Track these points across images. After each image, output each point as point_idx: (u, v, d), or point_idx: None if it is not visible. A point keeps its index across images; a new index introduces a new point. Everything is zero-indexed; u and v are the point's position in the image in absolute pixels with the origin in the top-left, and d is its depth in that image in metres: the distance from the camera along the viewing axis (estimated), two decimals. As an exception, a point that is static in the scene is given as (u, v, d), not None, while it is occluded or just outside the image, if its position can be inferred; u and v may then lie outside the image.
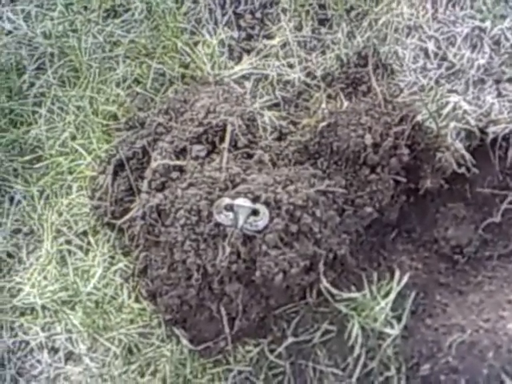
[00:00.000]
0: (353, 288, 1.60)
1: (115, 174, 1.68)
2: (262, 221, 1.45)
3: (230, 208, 1.46)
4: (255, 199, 1.46)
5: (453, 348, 1.56)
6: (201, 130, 1.60)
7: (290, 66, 1.84)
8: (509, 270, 1.68)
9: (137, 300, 1.64)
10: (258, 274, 1.44)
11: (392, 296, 1.57)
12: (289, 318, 1.60)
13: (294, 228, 1.46)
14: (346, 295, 1.57)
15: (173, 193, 1.51)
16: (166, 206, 1.51)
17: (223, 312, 1.48)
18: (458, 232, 1.71)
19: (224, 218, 1.46)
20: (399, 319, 1.57)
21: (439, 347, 1.57)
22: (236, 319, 1.48)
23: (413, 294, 1.62)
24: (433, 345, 1.58)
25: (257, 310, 1.52)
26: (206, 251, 1.45)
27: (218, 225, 1.46)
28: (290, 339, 1.57)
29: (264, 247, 1.43)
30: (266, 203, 1.45)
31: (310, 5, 1.91)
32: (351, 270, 1.62)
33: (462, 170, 1.72)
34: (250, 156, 1.59)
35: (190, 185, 1.50)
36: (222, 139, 1.58)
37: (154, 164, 1.53)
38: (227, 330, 1.47)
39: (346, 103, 1.69)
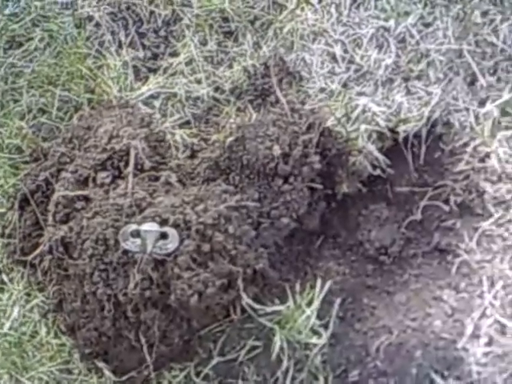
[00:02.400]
0: (276, 301, 1.62)
1: (22, 208, 1.69)
2: (171, 244, 1.47)
3: (136, 234, 1.47)
4: (163, 222, 1.48)
5: (380, 351, 1.59)
6: (104, 156, 1.61)
7: (198, 81, 1.87)
8: (433, 267, 1.73)
9: (56, 335, 1.63)
10: (172, 297, 1.45)
11: (316, 304, 1.60)
12: (214, 337, 1.62)
13: (206, 247, 1.48)
14: (269, 309, 1.60)
15: (78, 224, 1.52)
16: (72, 238, 1.52)
17: (142, 340, 1.49)
18: (381, 233, 1.75)
19: (131, 244, 1.47)
20: (326, 327, 1.61)
21: (367, 351, 1.60)
22: (157, 345, 1.48)
23: (338, 300, 1.66)
24: (361, 350, 1.61)
25: (178, 333, 1.53)
26: (117, 280, 1.46)
27: (126, 252, 1.47)
28: (217, 359, 1.59)
29: (176, 270, 1.45)
30: (175, 225, 1.47)
31: (213, 18, 1.95)
32: (274, 282, 1.65)
33: (378, 171, 1.77)
34: (157, 178, 1.60)
35: (96, 214, 1.51)
36: (127, 164, 1.60)
37: (55, 196, 1.54)
38: (148, 358, 1.48)
39: (254, 115, 1.72)
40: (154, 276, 1.46)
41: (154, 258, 1.48)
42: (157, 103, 1.84)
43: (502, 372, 1.50)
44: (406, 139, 1.78)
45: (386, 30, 1.91)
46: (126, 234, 1.48)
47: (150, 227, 1.47)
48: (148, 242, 1.46)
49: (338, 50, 1.89)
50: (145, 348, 1.49)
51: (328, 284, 1.64)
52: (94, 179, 1.61)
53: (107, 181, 1.59)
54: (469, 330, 1.57)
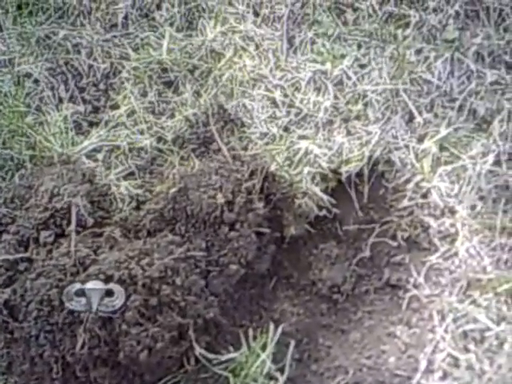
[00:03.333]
0: (230, 348, 1.63)
1: (-37, 272, 1.66)
2: (117, 300, 1.47)
3: (81, 293, 1.47)
4: (108, 279, 1.48)
5: (337, 392, 1.61)
6: (46, 215, 1.61)
7: (140, 132, 1.89)
8: (385, 302, 1.76)
9: (8, 399, 1.61)
10: (121, 355, 1.45)
11: (270, 348, 1.61)
12: (170, 390, 1.61)
13: (153, 301, 1.49)
14: (223, 357, 1.60)
15: (22, 286, 1.51)
16: (16, 301, 1.51)
17: (95, 400, 1.48)
18: (332, 272, 1.79)
19: (76, 304, 1.46)
20: (283, 370, 1.62)
21: (324, 394, 1.62)
22: (110, 404, 1.47)
23: (293, 342, 1.67)
24: (317, 392, 1.63)
25: (132, 389, 1.52)
26: (64, 341, 1.46)
27: (71, 312, 1.47)
28: (173, 412, 1.59)
29: (124, 326, 1.45)
30: (121, 281, 1.47)
31: (152, 70, 1.98)
32: (227, 330, 1.65)
33: (324, 212, 1.81)
34: (100, 234, 1.61)
35: (39, 275, 1.51)
36: (69, 222, 1.60)
37: (-4, 260, 1.53)
38: (102, 418, 1.47)
39: (197, 164, 1.75)
40: (101, 334, 1.46)
41: (100, 316, 1.47)
42: (100, 156, 1.86)
43: (458, 405, 1.52)
44: (349, 179, 1.83)
45: (323, 73, 1.97)
46: (70, 294, 1.47)
47: (95, 285, 1.47)
48: (93, 301, 1.46)
49: (277, 94, 1.94)
50: (98, 408, 1.48)
51: (281, 327, 1.65)
52: (37, 239, 1.60)
53: (50, 240, 1.59)
54: (423, 365, 1.60)
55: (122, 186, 1.79)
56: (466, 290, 1.67)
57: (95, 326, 1.45)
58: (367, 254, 1.80)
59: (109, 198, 1.72)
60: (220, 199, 1.63)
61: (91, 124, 1.94)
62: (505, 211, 1.75)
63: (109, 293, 1.47)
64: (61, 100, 1.99)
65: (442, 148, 1.85)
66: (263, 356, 1.58)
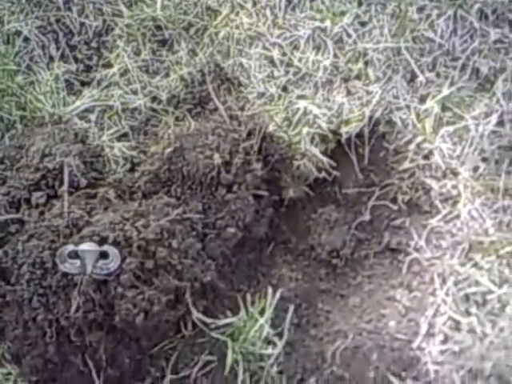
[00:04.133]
0: (228, 313, 1.61)
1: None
2: (112, 263, 1.44)
3: (75, 255, 1.44)
4: (102, 241, 1.45)
5: (337, 356, 1.60)
6: (38, 175, 1.58)
7: (134, 92, 1.85)
8: (385, 267, 1.75)
9: (1, 364, 1.58)
10: (117, 318, 1.43)
11: (268, 313, 1.59)
12: (166, 355, 1.59)
13: (149, 264, 1.46)
14: (220, 322, 1.58)
15: (13, 248, 1.48)
16: (7, 263, 1.48)
17: (90, 364, 1.46)
18: (331, 236, 1.76)
19: (70, 266, 1.44)
20: (281, 335, 1.60)
21: (323, 358, 1.61)
22: (105, 369, 1.45)
23: (292, 307, 1.65)
24: (317, 356, 1.62)
25: (128, 354, 1.50)
26: (57, 304, 1.43)
27: (65, 275, 1.44)
28: (170, 377, 1.57)
29: (119, 289, 1.42)
30: (115, 243, 1.44)
31: (146, 27, 1.93)
32: (224, 294, 1.64)
33: (323, 174, 1.78)
34: (94, 195, 1.57)
35: (31, 236, 1.48)
36: (61, 183, 1.56)
37: (-14, 221, 1.50)
38: (98, 382, 1.45)
39: (193, 124, 1.71)
40: (96, 297, 1.43)
41: (94, 278, 1.45)
42: (92, 117, 1.81)
43: (459, 369, 1.52)
44: (349, 140, 1.80)
45: (323, 30, 1.92)
46: (63, 256, 1.44)
47: (89, 247, 1.44)
48: (87, 263, 1.43)
49: (275, 53, 1.89)
50: (93, 372, 1.46)
51: (279, 291, 1.63)
52: (28, 200, 1.57)
53: (42, 201, 1.56)
54: (423, 328, 1.59)
55: (116, 147, 1.75)
56: (467, 253, 1.66)
57: (90, 288, 1.43)
58: (367, 217, 1.78)
59: (102, 160, 1.69)
60: (217, 159, 1.59)
61: (83, 83, 1.90)
62: (508, 172, 1.73)
63: (103, 255, 1.45)
64: (52, 59, 1.94)
65: (444, 108, 1.82)
66: (261, 321, 1.56)
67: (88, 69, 1.93)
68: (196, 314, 1.54)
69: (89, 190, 1.58)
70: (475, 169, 1.74)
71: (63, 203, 1.50)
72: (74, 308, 1.40)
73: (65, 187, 1.54)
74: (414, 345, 1.57)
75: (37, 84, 1.87)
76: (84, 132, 1.73)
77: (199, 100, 1.80)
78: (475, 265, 1.63)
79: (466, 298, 1.60)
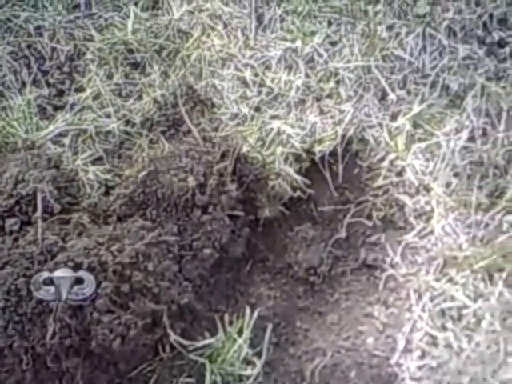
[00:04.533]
0: (206, 334, 1.61)
1: None
2: (88, 288, 1.44)
3: (50, 282, 1.43)
4: (77, 266, 1.45)
5: (316, 374, 1.61)
6: (11, 201, 1.57)
7: (107, 116, 1.85)
8: (362, 283, 1.76)
9: (-23, 394, 1.57)
10: (94, 344, 1.42)
11: (247, 333, 1.60)
12: (145, 378, 1.58)
13: (125, 288, 1.46)
14: (199, 343, 1.58)
15: (-13, 276, 1.48)
16: (-19, 291, 1.47)
17: (68, 390, 1.45)
18: (308, 254, 1.78)
19: (45, 293, 1.43)
20: (260, 355, 1.60)
21: (302, 376, 1.62)
22: (83, 394, 1.45)
23: (270, 326, 1.66)
24: (296, 375, 1.63)
25: (106, 378, 1.50)
26: (33, 331, 1.42)
27: (40, 301, 1.43)
28: (147, 401, 1.56)
29: (95, 314, 1.42)
30: (90, 268, 1.44)
31: (117, 51, 1.94)
32: (202, 315, 1.64)
33: (298, 193, 1.79)
34: (68, 221, 1.57)
35: (5, 264, 1.47)
36: (35, 209, 1.56)
37: (-42, 250, 1.49)
38: (75, 408, 1.45)
39: (167, 146, 1.72)
40: (72, 323, 1.43)
41: (70, 304, 1.44)
42: (66, 141, 1.81)
43: (438, 384, 1.53)
44: (322, 159, 1.82)
45: (294, 50, 1.95)
46: (38, 283, 1.44)
47: (64, 273, 1.44)
48: (62, 289, 1.42)
49: (247, 74, 1.92)
50: (71, 399, 1.45)
51: (257, 311, 1.64)
52: (2, 227, 1.56)
53: (15, 228, 1.55)
54: (401, 344, 1.60)
55: (90, 171, 1.75)
56: (442, 268, 1.68)
57: (65, 314, 1.43)
58: (343, 234, 1.80)
59: (76, 184, 1.68)
60: (191, 182, 1.60)
61: (56, 108, 1.90)
62: (480, 187, 1.76)
63: (78, 281, 1.44)
64: (24, 84, 1.94)
65: (415, 125, 1.85)
66: (240, 341, 1.56)
67: (61, 93, 1.93)
68: (174, 337, 1.54)
69: (63, 215, 1.58)
70: (448, 184, 1.77)
71: (37, 230, 1.50)
72: (49, 334, 1.40)
73: (38, 213, 1.54)
74: (392, 361, 1.58)
75: (9, 109, 1.87)
76: (58, 157, 1.72)
77: (173, 122, 1.80)
78: (450, 280, 1.65)
79: (442, 313, 1.62)
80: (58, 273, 1.44)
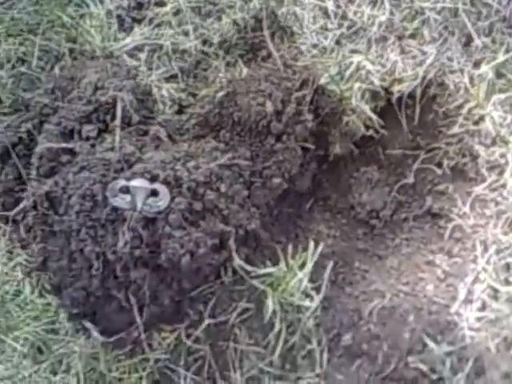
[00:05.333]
0: (268, 263, 1.59)
1: (3, 162, 1.62)
2: (162, 201, 1.42)
3: (126, 190, 1.41)
4: (153, 179, 1.43)
5: (373, 315, 1.59)
6: (90, 108, 1.55)
7: (185, 34, 1.80)
8: (425, 231, 1.73)
9: (41, 295, 1.58)
10: (163, 257, 1.41)
11: (308, 267, 1.57)
12: (205, 299, 1.58)
13: (198, 206, 1.44)
14: (261, 271, 1.57)
15: (64, 178, 1.46)
16: (57, 193, 1.46)
17: (132, 300, 1.45)
18: (372, 196, 1.74)
19: (120, 201, 1.42)
20: (319, 290, 1.58)
21: (360, 315, 1.60)
22: (147, 306, 1.45)
23: (331, 264, 1.63)
24: (353, 313, 1.61)
25: (169, 294, 1.49)
26: (105, 238, 1.41)
27: (115, 209, 1.42)
28: (207, 321, 1.56)
29: (167, 229, 1.41)
30: (166, 182, 1.42)
31: (202, -32, 1.88)
32: (265, 244, 1.62)
33: (371, 132, 1.75)
34: (145, 133, 1.54)
35: (82, 168, 1.45)
36: (113, 117, 1.54)
37: (38, 148, 1.47)
38: (138, 318, 1.45)
39: (245, 70, 1.67)
40: (144, 234, 1.42)
41: (144, 215, 1.43)
42: (142, 55, 1.77)
43: (495, 337, 1.50)
44: (399, 100, 1.76)
45: (380, -15, 1.87)
46: (114, 190, 1.42)
47: (140, 183, 1.42)
48: (138, 199, 1.41)
49: (330, 4, 1.84)
50: (135, 308, 1.45)
51: (320, 247, 1.61)
52: (79, 132, 1.54)
53: (93, 134, 1.53)
54: (462, 294, 1.57)
55: (164, 88, 1.71)
56: (511, 223, 1.62)
57: (138, 225, 1.41)
58: (410, 180, 1.75)
59: (151, 99, 1.65)
60: (269, 107, 1.56)
61: (134, 20, 1.85)
62: (559, 145, 1.69)
63: (154, 193, 1.42)
64: (104, -8, 1.89)
65: (498, 74, 1.77)
66: (301, 274, 1.54)
67: (140, 6, 1.88)
68: (238, 261, 1.52)
69: (140, 126, 1.55)
70: (525, 139, 1.70)
71: (115, 137, 1.48)
72: (121, 243, 1.39)
73: (117, 121, 1.51)
74: (452, 310, 1.55)
75: (88, 17, 1.82)
76: (134, 69, 1.68)
77: (251, 46, 1.75)
78: (518, 235, 1.61)
79: (507, 267, 1.58)
80: (135, 182, 1.42)
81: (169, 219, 1.41)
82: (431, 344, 1.51)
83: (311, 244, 1.60)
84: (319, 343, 1.54)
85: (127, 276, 1.42)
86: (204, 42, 1.79)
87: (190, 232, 1.42)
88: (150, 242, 1.42)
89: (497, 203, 1.67)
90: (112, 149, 1.46)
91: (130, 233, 1.39)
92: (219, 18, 1.83)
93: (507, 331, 1.51)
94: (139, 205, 1.40)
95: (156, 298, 1.46)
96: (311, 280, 1.58)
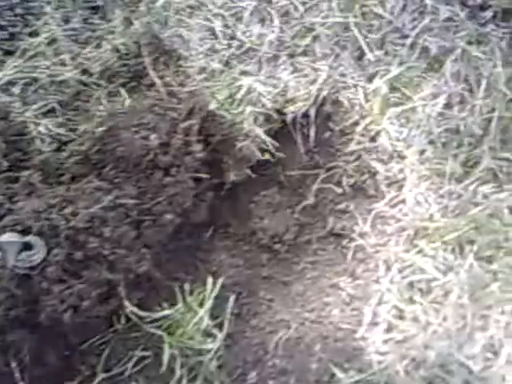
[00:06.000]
0: (165, 304, 1.51)
1: None
2: (37, 254, 1.31)
3: (-6, 247, 1.30)
4: (25, 231, 1.32)
5: (279, 347, 1.55)
6: (-48, 156, 1.42)
7: (63, 64, 1.69)
8: (329, 252, 1.70)
9: None
10: (42, 316, 1.31)
11: (208, 304, 1.50)
12: (98, 351, 1.48)
13: (78, 255, 1.34)
14: (156, 315, 1.48)
15: None
16: None
17: (13, 364, 1.33)
18: (274, 220, 1.70)
19: (-11, 259, 1.30)
20: (221, 327, 1.51)
21: (265, 349, 1.56)
22: (30, 369, 1.33)
23: (233, 296, 1.57)
24: (258, 348, 1.56)
25: (54, 351, 1.39)
26: (-25, 301, 1.30)
27: (-17, 268, 1.30)
28: (101, 376, 1.46)
29: (45, 284, 1.30)
30: (40, 233, 1.31)
31: (76, -8, 1.77)
32: (161, 284, 1.53)
33: (266, 155, 1.69)
34: (16, 179, 1.43)
35: None
36: (-22, 165, 1.42)
37: None
38: (21, 383, 1.33)
39: (128, 101, 1.58)
40: (18, 293, 1.30)
41: (17, 272, 1.31)
42: (16, 90, 1.65)
43: (403, 358, 1.49)
44: (294, 120, 1.72)
45: (268, 2, 1.82)
46: (-19, 248, 1.30)
47: (10, 238, 1.31)
48: (9, 256, 1.30)
49: (217, 24, 1.77)
50: (16, 373, 1.34)
51: (221, 280, 1.54)
52: None
53: (-44, 186, 1.40)
54: (367, 317, 1.56)
55: (42, 124, 1.60)
56: (412, 239, 1.63)
57: (12, 283, 1.30)
58: (311, 201, 1.72)
59: (26, 138, 1.53)
60: (154, 140, 1.47)
61: (6, 53, 1.72)
62: (455, 156, 1.69)
63: (27, 246, 1.32)
64: (-30, 24, 1.75)
65: (392, 88, 1.75)
66: (201, 312, 1.47)
67: (12, 37, 1.75)
68: (130, 307, 1.43)
69: (10, 173, 1.43)
70: (422, 152, 1.70)
71: (-19, 188, 1.36)
72: (-7, 305, 1.27)
73: (-17, 170, 1.39)
74: (358, 334, 1.54)
75: (-47, 52, 1.69)
76: (6, 107, 1.56)
77: (134, 74, 1.66)
78: (420, 251, 1.61)
79: (411, 285, 1.58)
80: (4, 237, 1.31)
81: (46, 273, 1.31)
82: (339, 373, 1.48)
83: (209, 278, 1.53)
84: (223, 385, 1.46)
85: (3, 340, 1.30)
86: (83, 72, 1.69)
87: (72, 285, 1.32)
88: (27, 300, 1.31)
89: (397, 220, 1.66)
90: (-22, 201, 1.34)
91: (2, 293, 1.28)
92: (98, 46, 1.73)
93: (415, 351, 1.50)
94: (11, 261, 1.29)
95: (39, 358, 1.36)
96: (213, 316, 1.51)
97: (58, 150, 1.56)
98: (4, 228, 1.32)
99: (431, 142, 1.70)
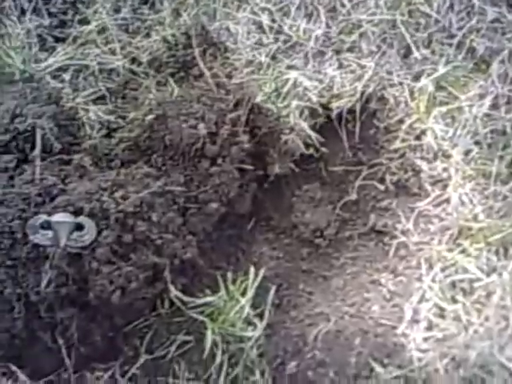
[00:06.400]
0: (208, 291, 1.54)
1: None
2: (88, 235, 1.35)
3: (47, 226, 1.34)
4: (77, 212, 1.35)
5: (318, 340, 1.55)
6: (7, 137, 1.47)
7: (112, 52, 1.73)
8: (370, 249, 1.70)
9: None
10: (91, 295, 1.34)
11: (250, 293, 1.52)
12: (141, 334, 1.52)
13: (127, 238, 1.37)
14: (199, 301, 1.51)
15: (-21, 214, 1.38)
16: (-28, 231, 1.37)
17: (60, 341, 1.37)
18: (316, 215, 1.71)
19: (42, 237, 1.34)
20: (262, 316, 1.54)
21: (305, 341, 1.56)
22: (76, 346, 1.37)
23: (274, 287, 1.59)
24: (298, 339, 1.57)
25: (100, 332, 1.43)
26: (27, 277, 1.34)
27: (36, 246, 1.34)
28: (144, 357, 1.49)
29: (95, 264, 1.34)
30: (91, 215, 1.35)
31: (126, -18, 1.81)
32: (204, 272, 1.56)
33: (311, 150, 1.71)
34: (68, 162, 1.47)
35: (0, 203, 1.37)
36: (33, 146, 1.46)
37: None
38: (67, 360, 1.37)
39: (176, 90, 1.61)
40: (69, 272, 1.34)
41: (68, 251, 1.35)
42: (66, 76, 1.70)
43: (443, 357, 1.48)
44: (339, 116, 1.73)
45: (317, -3, 1.84)
46: (34, 227, 1.34)
47: (63, 218, 1.34)
48: (61, 235, 1.33)
49: (264, 18, 1.80)
50: (63, 349, 1.38)
51: (262, 271, 1.56)
52: (-5, 163, 1.46)
53: (11, 165, 1.45)
54: (408, 314, 1.55)
55: (91, 110, 1.64)
56: (456, 239, 1.62)
57: (63, 262, 1.34)
58: (353, 197, 1.73)
59: (76, 123, 1.57)
60: (202, 130, 1.50)
61: (57, 40, 1.77)
62: (500, 157, 1.69)
63: (78, 227, 1.35)
64: (23, 12, 1.80)
65: (438, 87, 1.76)
66: (242, 301, 1.49)
67: (62, 24, 1.80)
68: (174, 292, 1.46)
69: (63, 155, 1.47)
70: (467, 152, 1.69)
71: (35, 169, 1.40)
72: (44, 282, 1.31)
73: (37, 151, 1.43)
74: (399, 331, 1.54)
75: (6, 38, 1.74)
76: (57, 92, 1.60)
77: (182, 64, 1.70)
78: (463, 251, 1.60)
79: (453, 285, 1.57)
80: (57, 217, 1.34)
81: (96, 254, 1.35)
82: (378, 368, 1.48)
83: (252, 269, 1.55)
84: (262, 374, 1.48)
85: (53, 317, 1.34)
86: (132, 61, 1.73)
87: (120, 266, 1.36)
88: (77, 279, 1.35)
89: (441, 219, 1.66)
90: (32, 181, 1.39)
91: (53, 271, 1.32)
92: (148, 35, 1.77)
93: (455, 350, 1.49)
94: (63, 241, 1.33)
95: (86, 337, 1.39)
96: (254, 306, 1.53)
97: (108, 135, 1.60)
98: (56, 208, 1.36)
99: (477, 143, 1.70)
